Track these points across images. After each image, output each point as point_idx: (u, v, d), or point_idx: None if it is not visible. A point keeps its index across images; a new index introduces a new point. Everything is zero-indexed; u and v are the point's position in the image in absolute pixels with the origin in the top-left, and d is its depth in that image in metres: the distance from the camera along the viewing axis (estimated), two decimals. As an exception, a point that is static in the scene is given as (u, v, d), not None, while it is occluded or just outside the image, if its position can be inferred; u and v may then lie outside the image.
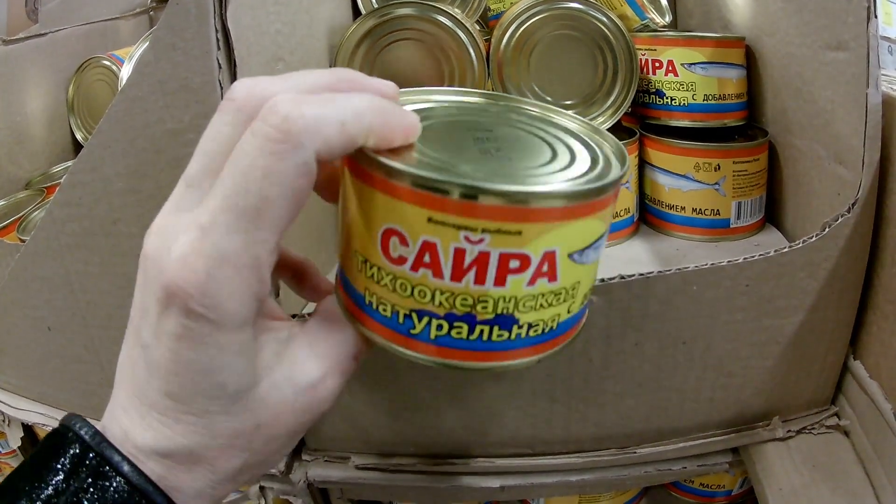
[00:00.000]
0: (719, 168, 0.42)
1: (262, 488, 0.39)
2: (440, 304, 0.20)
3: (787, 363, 0.34)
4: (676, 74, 0.43)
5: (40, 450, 0.20)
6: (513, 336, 0.20)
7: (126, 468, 0.19)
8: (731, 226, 0.44)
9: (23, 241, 0.44)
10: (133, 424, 0.20)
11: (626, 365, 0.33)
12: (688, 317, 0.31)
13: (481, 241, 0.19)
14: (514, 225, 0.19)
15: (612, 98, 0.43)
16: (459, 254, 0.19)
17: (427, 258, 0.19)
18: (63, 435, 0.20)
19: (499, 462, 0.36)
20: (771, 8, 0.42)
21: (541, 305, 0.20)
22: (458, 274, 0.19)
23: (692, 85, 0.43)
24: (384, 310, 0.21)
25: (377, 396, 0.35)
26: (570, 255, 0.20)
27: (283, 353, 0.21)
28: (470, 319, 0.20)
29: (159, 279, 0.18)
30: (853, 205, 0.31)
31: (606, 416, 0.34)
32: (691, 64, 0.43)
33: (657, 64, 0.44)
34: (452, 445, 0.36)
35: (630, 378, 0.33)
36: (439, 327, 0.20)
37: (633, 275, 0.30)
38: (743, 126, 0.46)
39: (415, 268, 0.20)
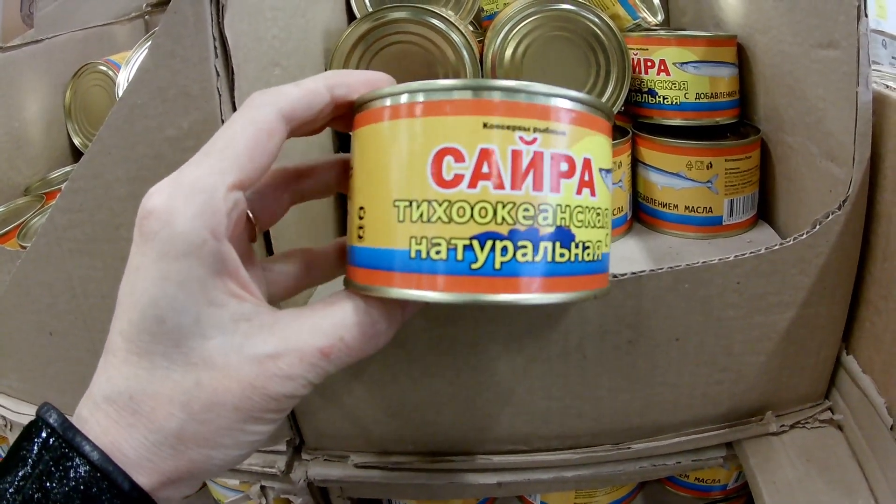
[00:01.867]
0: (711, 166, 0.43)
1: (262, 488, 0.39)
2: (503, 219, 0.19)
3: (780, 359, 0.34)
4: (668, 73, 0.43)
5: (16, 441, 0.20)
6: (572, 257, 0.20)
7: (87, 448, 0.19)
8: (724, 223, 0.44)
9: (23, 247, 0.44)
10: (95, 375, 0.21)
11: (621, 362, 0.33)
12: (680, 314, 0.32)
13: (534, 140, 0.20)
14: (560, 125, 0.20)
15: (604, 97, 0.43)
16: (517, 157, 0.19)
17: (486, 167, 0.19)
18: (34, 424, 0.20)
19: (496, 459, 0.37)
20: (763, 6, 0.42)
21: (589, 222, 0.21)
22: (517, 180, 0.19)
23: (684, 84, 0.43)
24: (438, 252, 0.20)
25: (376, 395, 0.35)
26: (601, 170, 0.21)
27: (241, 323, 0.21)
28: (533, 235, 0.20)
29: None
30: (844, 202, 0.32)
31: (601, 411, 0.35)
32: (683, 63, 0.43)
33: (649, 63, 0.44)
34: (450, 443, 0.37)
35: (624, 374, 0.34)
36: (504, 251, 0.19)
37: (626, 274, 0.31)
38: (735, 124, 0.46)
39: (473, 183, 0.19)
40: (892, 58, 0.89)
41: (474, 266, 0.19)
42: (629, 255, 0.43)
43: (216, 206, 0.20)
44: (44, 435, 0.20)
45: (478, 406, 0.35)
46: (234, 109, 0.30)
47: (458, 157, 0.19)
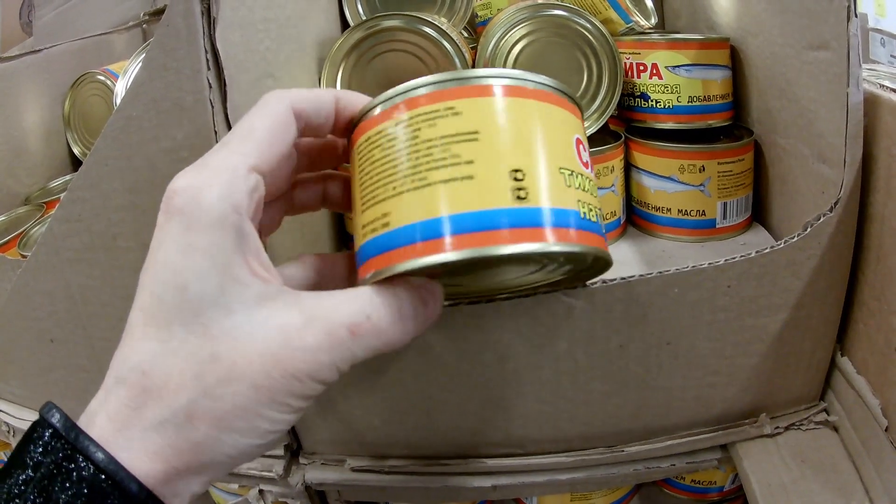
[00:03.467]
0: (704, 169, 0.43)
1: (261, 491, 0.40)
2: (596, 195, 0.24)
3: (773, 361, 0.34)
4: (661, 77, 0.43)
5: (17, 443, 0.20)
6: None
7: (92, 449, 0.19)
8: (718, 226, 0.44)
9: (24, 256, 0.45)
10: (111, 364, 0.21)
11: (612, 365, 0.33)
12: (671, 318, 0.32)
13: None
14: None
15: (597, 102, 0.44)
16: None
17: (589, 156, 0.25)
18: (37, 424, 0.20)
19: (490, 462, 0.37)
20: (755, 9, 0.42)
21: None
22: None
23: (676, 87, 0.43)
24: (594, 216, 0.23)
25: (371, 399, 0.36)
26: None
27: (266, 300, 0.20)
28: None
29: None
30: (835, 204, 0.32)
31: (594, 415, 0.35)
32: (675, 66, 0.43)
33: (641, 67, 0.44)
34: (445, 447, 0.37)
35: (616, 378, 0.34)
36: (600, 216, 0.24)
37: (615, 279, 0.31)
38: (729, 126, 0.46)
39: (591, 166, 0.25)
40: (892, 56, 0.89)
41: (603, 231, 0.24)
42: (622, 259, 0.43)
43: (238, 183, 0.21)
44: (46, 436, 0.19)
45: (471, 411, 0.35)
46: (227, 120, 0.30)
47: (583, 146, 0.24)
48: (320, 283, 0.26)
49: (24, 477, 0.19)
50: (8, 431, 0.46)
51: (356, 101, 0.24)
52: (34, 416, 0.43)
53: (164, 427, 0.19)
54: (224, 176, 0.20)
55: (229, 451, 0.20)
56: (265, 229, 0.26)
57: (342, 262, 0.27)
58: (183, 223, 0.20)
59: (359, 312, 0.21)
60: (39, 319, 0.39)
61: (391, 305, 0.21)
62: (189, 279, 0.20)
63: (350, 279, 0.26)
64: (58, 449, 0.19)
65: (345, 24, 0.49)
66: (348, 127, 0.25)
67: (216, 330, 0.20)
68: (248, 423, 0.20)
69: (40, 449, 0.19)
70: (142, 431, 0.19)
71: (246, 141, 0.22)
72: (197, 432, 0.19)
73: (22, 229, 0.49)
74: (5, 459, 0.56)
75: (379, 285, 0.21)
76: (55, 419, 0.19)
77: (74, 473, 0.18)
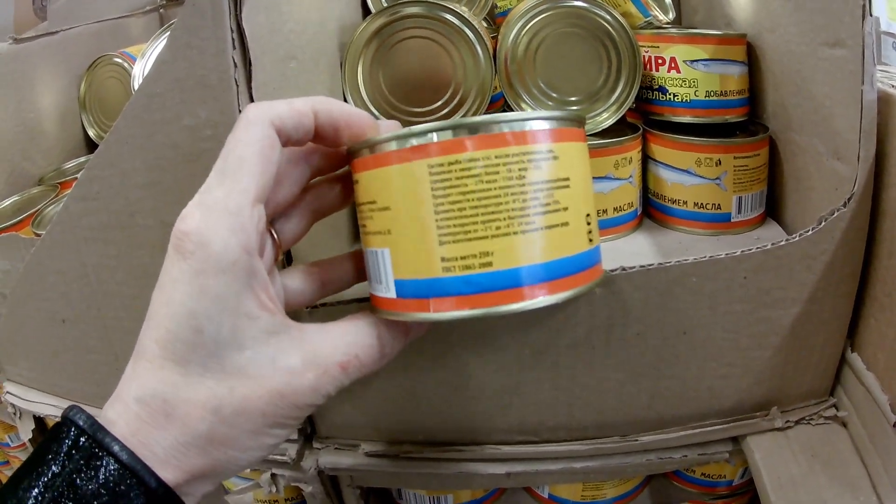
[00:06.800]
0: (720, 163, 0.43)
1: (273, 476, 0.40)
2: None
3: (786, 354, 0.34)
4: (679, 71, 0.44)
5: (43, 440, 0.22)
6: None
7: (116, 448, 0.21)
8: (732, 220, 0.44)
9: (37, 235, 0.45)
10: (125, 379, 0.22)
11: (628, 354, 0.33)
12: (688, 308, 0.32)
13: None
14: None
15: (615, 94, 0.44)
16: None
17: None
18: (62, 424, 0.21)
19: (505, 449, 0.37)
20: (772, 5, 0.42)
21: None
22: None
23: (694, 81, 0.43)
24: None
25: (386, 385, 0.36)
26: None
27: (273, 337, 0.23)
28: None
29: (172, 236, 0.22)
30: (849, 199, 0.32)
31: (608, 403, 0.35)
32: (693, 61, 0.43)
33: (660, 61, 0.44)
34: (460, 433, 0.37)
35: (631, 366, 0.34)
36: None
37: (634, 266, 0.31)
38: (744, 122, 0.46)
39: None
40: (903, 59, 0.89)
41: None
42: (638, 251, 0.43)
43: (245, 224, 0.22)
44: (73, 435, 0.21)
45: (487, 396, 0.35)
46: (252, 100, 0.30)
47: None
48: (324, 289, 0.28)
49: (54, 470, 0.20)
50: (14, 413, 0.46)
51: (334, 108, 0.24)
52: (43, 398, 0.44)
53: (186, 448, 0.22)
54: (231, 218, 0.21)
55: (242, 462, 0.23)
56: (290, 240, 0.27)
57: (347, 264, 0.28)
58: (194, 267, 0.21)
59: (349, 353, 0.24)
60: (52, 300, 0.39)
61: (374, 346, 0.24)
62: (204, 323, 0.21)
63: (355, 277, 0.28)
64: (85, 447, 0.21)
65: (366, 11, 0.49)
66: (329, 135, 0.25)
67: (230, 367, 0.22)
68: (257, 441, 0.23)
69: (67, 446, 0.21)
70: (164, 449, 0.21)
71: (240, 174, 0.22)
72: (215, 452, 0.22)
73: (35, 209, 0.49)
74: (9, 442, 0.56)
75: (368, 327, 0.24)
76: (81, 420, 0.21)
77: (101, 469, 0.20)
